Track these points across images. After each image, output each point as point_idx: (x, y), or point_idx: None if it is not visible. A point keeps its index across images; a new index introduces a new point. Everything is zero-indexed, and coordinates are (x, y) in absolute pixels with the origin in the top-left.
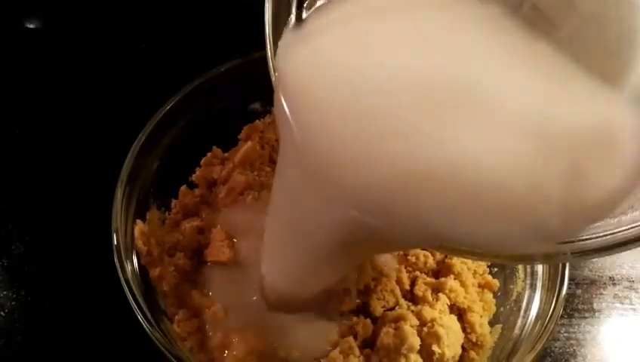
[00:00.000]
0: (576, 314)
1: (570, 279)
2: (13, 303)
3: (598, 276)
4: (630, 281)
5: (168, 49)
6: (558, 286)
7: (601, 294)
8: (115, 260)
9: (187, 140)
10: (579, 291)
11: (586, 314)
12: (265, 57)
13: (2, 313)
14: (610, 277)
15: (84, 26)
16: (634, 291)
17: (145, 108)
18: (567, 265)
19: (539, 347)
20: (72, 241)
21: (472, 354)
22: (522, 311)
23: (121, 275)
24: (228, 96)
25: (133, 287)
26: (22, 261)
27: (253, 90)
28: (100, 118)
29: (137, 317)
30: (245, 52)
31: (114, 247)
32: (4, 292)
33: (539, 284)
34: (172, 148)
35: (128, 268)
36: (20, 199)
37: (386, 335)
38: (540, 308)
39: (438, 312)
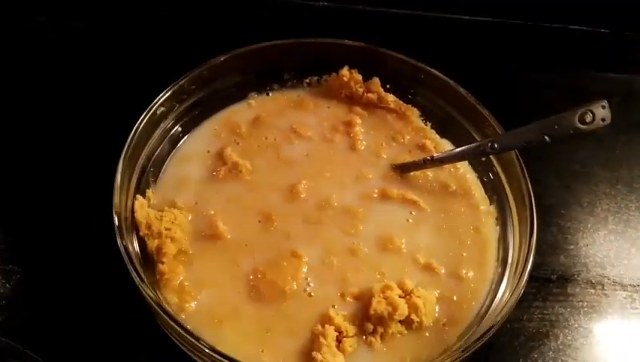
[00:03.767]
0: (550, 298)
1: (546, 266)
2: (18, 276)
3: (573, 263)
4: (603, 268)
5: (168, 40)
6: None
7: (575, 280)
8: (115, 229)
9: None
10: (554, 276)
11: (560, 298)
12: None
13: (8, 285)
14: (583, 264)
15: (89, 20)
16: (606, 278)
17: (145, 94)
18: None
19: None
20: (76, 220)
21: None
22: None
23: (119, 241)
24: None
25: (132, 254)
26: (26, 236)
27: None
28: (106, 102)
29: (138, 287)
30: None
31: (114, 215)
32: (10, 266)
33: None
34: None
35: (127, 236)
36: (29, 176)
37: (379, 304)
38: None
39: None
